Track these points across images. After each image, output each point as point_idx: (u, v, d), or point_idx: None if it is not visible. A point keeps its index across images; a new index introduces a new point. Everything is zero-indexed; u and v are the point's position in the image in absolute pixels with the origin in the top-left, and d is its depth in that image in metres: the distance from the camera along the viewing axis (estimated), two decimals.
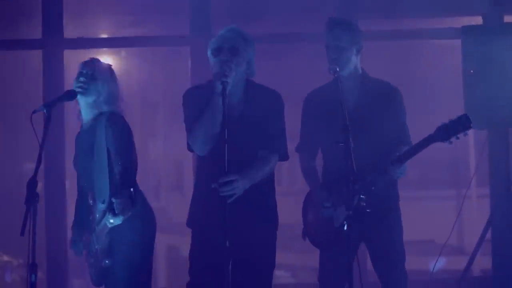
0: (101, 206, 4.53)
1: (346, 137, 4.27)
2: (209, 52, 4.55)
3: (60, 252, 6.62)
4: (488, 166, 6.60)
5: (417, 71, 8.58)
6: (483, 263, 6.61)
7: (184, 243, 11.01)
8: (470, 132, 4.67)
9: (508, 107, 5.81)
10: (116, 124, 4.61)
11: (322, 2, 6.65)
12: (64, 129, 6.57)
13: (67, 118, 6.55)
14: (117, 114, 4.66)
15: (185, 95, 4.66)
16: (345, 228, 4.28)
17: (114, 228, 4.48)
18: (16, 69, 8.55)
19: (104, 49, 7.61)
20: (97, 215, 4.60)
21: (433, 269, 5.77)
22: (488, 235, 6.46)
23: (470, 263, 6.19)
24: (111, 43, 7.36)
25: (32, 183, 4.06)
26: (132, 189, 4.39)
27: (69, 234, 4.97)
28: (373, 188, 4.62)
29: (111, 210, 4.38)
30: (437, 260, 5.67)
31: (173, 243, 10.87)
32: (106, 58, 5.98)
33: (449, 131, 4.52)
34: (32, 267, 4.00)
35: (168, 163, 11.47)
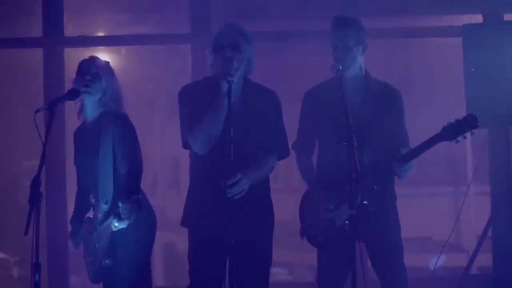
0: (104, 207, 4.52)
1: (349, 136, 4.25)
2: (208, 49, 4.49)
3: (61, 250, 6.61)
4: (489, 164, 6.59)
5: (416, 69, 8.57)
6: (481, 260, 6.60)
7: (180, 241, 11.03)
8: None
9: (508, 105, 5.80)
10: (124, 126, 4.59)
11: (322, 0, 6.64)
12: (65, 127, 6.54)
13: (67, 117, 6.52)
14: (124, 115, 4.64)
15: (182, 92, 4.59)
16: (346, 227, 4.26)
17: (118, 230, 4.48)
18: (16, 67, 8.53)
19: (103, 47, 7.59)
20: (99, 215, 4.58)
21: (435, 267, 5.76)
22: (488, 232, 6.45)
23: (471, 261, 6.19)
24: (111, 41, 7.33)
25: (35, 182, 4.04)
26: (140, 195, 4.39)
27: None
28: (375, 187, 4.61)
29: (116, 214, 4.37)
30: (438, 258, 5.67)
31: (169, 241, 10.87)
32: (104, 56, 5.95)
33: (456, 130, 4.51)
34: (36, 267, 3.98)
35: (164, 161, 11.47)
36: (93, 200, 4.64)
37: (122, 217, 4.35)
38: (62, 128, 6.51)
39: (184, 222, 4.62)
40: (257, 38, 4.57)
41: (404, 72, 6.90)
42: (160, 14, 7.89)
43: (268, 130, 4.49)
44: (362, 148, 4.47)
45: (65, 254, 6.60)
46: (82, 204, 4.79)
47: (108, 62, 4.77)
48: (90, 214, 4.76)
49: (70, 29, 6.95)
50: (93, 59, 4.73)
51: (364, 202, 4.52)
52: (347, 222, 4.31)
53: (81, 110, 4.74)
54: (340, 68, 4.55)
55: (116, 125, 4.56)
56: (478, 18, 6.69)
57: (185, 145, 4.54)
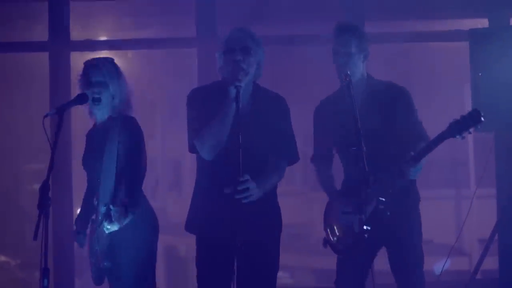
0: (103, 209, 4.51)
1: (358, 141, 4.24)
2: (218, 53, 4.45)
3: (67, 254, 6.61)
4: (495, 169, 6.58)
5: (416, 72, 8.59)
6: (484, 264, 6.59)
7: (181, 244, 11.05)
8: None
9: None
10: (131, 129, 4.57)
11: (327, 4, 6.63)
12: (71, 131, 6.54)
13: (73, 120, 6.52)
14: (131, 118, 4.63)
15: (190, 95, 4.55)
16: (365, 232, 4.24)
17: (116, 232, 4.47)
18: (19, 70, 8.55)
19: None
20: (99, 217, 4.58)
21: (441, 271, 5.75)
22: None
23: (478, 266, 6.18)
24: (117, 45, 7.31)
25: (44, 187, 4.00)
26: (127, 199, 4.38)
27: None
28: (390, 191, 4.59)
29: (108, 216, 4.37)
30: (445, 262, 5.66)
31: (170, 243, 10.89)
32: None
33: (461, 126, 4.50)
34: (45, 272, 3.94)
35: (165, 163, 11.48)
36: (95, 202, 4.64)
37: (113, 220, 4.35)
38: (69, 132, 6.50)
39: (188, 227, 4.58)
40: (263, 41, 4.56)
41: (403, 75, 6.89)
42: (165, 18, 7.90)
43: (278, 136, 4.46)
44: (373, 151, 4.45)
45: (71, 257, 6.59)
46: (88, 204, 4.78)
47: (113, 61, 4.72)
48: (94, 216, 4.76)
49: (76, 33, 6.94)
50: (99, 64, 4.68)
51: (381, 206, 4.49)
52: (366, 227, 4.28)
53: (92, 112, 4.73)
54: (349, 73, 4.53)
55: (123, 129, 4.54)
56: (483, 22, 6.69)
57: (192, 149, 4.49)
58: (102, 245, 4.51)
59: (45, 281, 3.90)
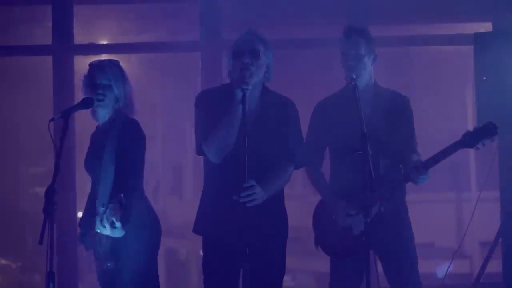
0: (101, 210, 4.51)
1: (364, 145, 4.23)
2: (228, 56, 4.44)
3: (71, 258, 6.60)
4: (499, 173, 6.57)
5: (416, 75, 8.59)
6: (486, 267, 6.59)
7: (182, 246, 11.05)
8: None
9: None
10: (132, 132, 4.57)
11: (331, 8, 6.62)
12: (75, 135, 6.53)
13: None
14: (133, 121, 4.62)
15: (199, 97, 4.54)
16: (364, 237, 4.24)
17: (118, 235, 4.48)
18: (23, 74, 8.55)
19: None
20: (97, 220, 4.57)
21: (445, 274, 5.75)
22: (491, 238, 6.44)
23: (482, 270, 6.17)
24: (121, 49, 7.30)
25: (50, 191, 4.01)
26: (122, 195, 4.36)
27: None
28: (391, 195, 4.59)
29: (101, 218, 4.39)
30: (449, 266, 5.65)
31: (171, 246, 10.88)
32: None
33: (475, 137, 4.51)
34: (50, 276, 3.94)
35: (166, 167, 11.48)
36: (96, 204, 4.63)
37: (106, 219, 4.34)
38: (73, 136, 6.49)
39: (196, 229, 4.57)
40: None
41: (404, 78, 6.90)
42: (169, 22, 7.90)
43: (287, 139, 4.46)
44: (377, 156, 4.45)
45: (74, 261, 6.59)
46: (92, 206, 4.77)
47: (119, 63, 4.71)
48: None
49: (79, 37, 6.94)
50: (104, 66, 4.68)
51: (382, 209, 4.49)
52: (364, 229, 4.28)
53: (94, 113, 4.72)
54: (354, 76, 4.54)
55: (124, 130, 4.54)
56: (487, 26, 6.69)
57: (199, 151, 4.49)
58: (104, 246, 4.51)
59: (51, 285, 3.90)
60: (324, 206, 4.83)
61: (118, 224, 4.34)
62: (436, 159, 4.54)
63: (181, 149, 10.17)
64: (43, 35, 7.04)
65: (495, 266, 6.45)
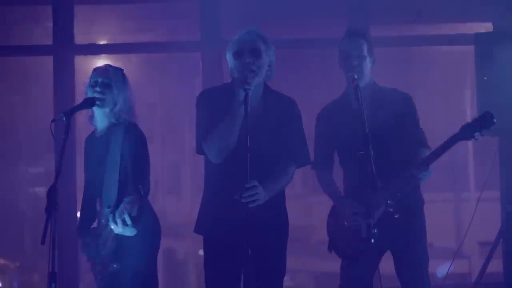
0: (107, 211, 4.51)
1: (366, 145, 4.24)
2: (228, 55, 4.42)
3: (71, 258, 6.60)
4: (499, 173, 6.58)
5: (416, 76, 8.59)
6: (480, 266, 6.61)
7: (181, 246, 11.04)
8: None
9: None
10: (134, 136, 4.57)
11: (331, 8, 6.63)
12: (75, 136, 6.52)
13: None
14: (134, 125, 4.63)
15: (200, 96, 4.52)
16: (373, 236, 4.25)
17: (122, 235, 4.48)
18: (22, 74, 8.55)
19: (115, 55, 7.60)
20: (103, 220, 4.57)
21: (446, 274, 5.77)
22: (490, 238, 6.45)
23: (483, 270, 6.19)
24: (121, 49, 7.31)
25: (52, 192, 4.01)
26: (141, 187, 4.35)
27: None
28: (399, 194, 4.59)
29: (114, 217, 4.38)
30: (450, 266, 5.67)
31: (169, 246, 10.87)
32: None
33: (473, 128, 4.51)
34: (52, 276, 3.94)
35: (164, 166, 11.48)
36: (98, 208, 4.64)
37: (119, 214, 4.34)
38: (73, 136, 6.48)
39: (198, 229, 4.57)
40: None
41: (403, 78, 6.91)
42: (169, 22, 7.90)
43: (289, 138, 4.45)
44: (381, 155, 4.45)
45: (75, 261, 6.59)
46: (88, 213, 4.78)
47: (122, 70, 4.74)
48: (95, 224, 4.74)
49: (80, 37, 6.94)
50: (107, 68, 4.70)
51: (390, 209, 4.49)
52: (374, 231, 4.29)
53: (92, 117, 4.73)
54: (356, 77, 4.55)
55: (126, 135, 4.54)
56: (487, 27, 6.70)
57: (199, 150, 4.47)
58: (108, 248, 4.51)
59: (53, 285, 3.91)
60: (336, 210, 4.85)
61: (129, 223, 4.34)
62: (435, 154, 4.54)
63: (179, 149, 10.18)
64: (43, 35, 7.04)
65: (495, 266, 6.47)
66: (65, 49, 6.73)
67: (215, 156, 4.29)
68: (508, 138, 6.28)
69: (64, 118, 4.22)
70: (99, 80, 4.60)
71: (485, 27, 6.67)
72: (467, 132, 4.49)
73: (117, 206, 4.44)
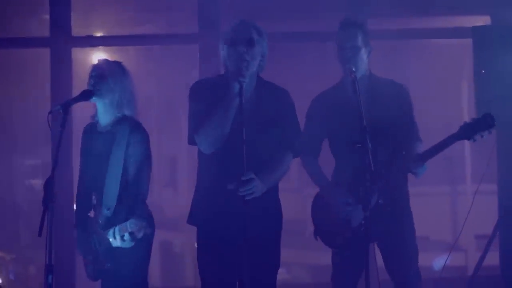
0: (106, 212, 4.50)
1: (363, 138, 4.23)
2: (221, 43, 4.42)
3: (68, 250, 6.59)
4: (497, 167, 6.59)
5: (413, 70, 8.60)
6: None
7: (177, 239, 11.05)
8: None
9: None
10: (140, 136, 4.55)
11: (331, 1, 6.62)
12: (72, 128, 6.51)
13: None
14: (138, 124, 4.61)
15: (193, 88, 4.48)
16: (362, 228, 4.25)
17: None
18: (18, 66, 8.54)
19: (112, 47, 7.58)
20: (100, 220, 4.55)
21: (443, 267, 5.78)
22: (486, 231, 6.47)
23: (479, 263, 6.20)
24: (118, 41, 7.29)
25: (49, 184, 4.00)
26: (143, 213, 4.40)
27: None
28: (390, 185, 4.59)
29: (119, 232, 4.39)
30: (446, 259, 5.69)
31: (166, 239, 10.89)
32: (110, 56, 5.94)
33: (473, 129, 4.50)
34: (49, 268, 3.93)
35: (161, 160, 11.48)
36: (95, 201, 4.62)
37: (119, 231, 4.37)
38: (69, 128, 6.46)
39: (191, 220, 4.57)
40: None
41: (401, 73, 6.92)
42: (167, 14, 7.89)
43: (283, 128, 4.44)
44: (375, 148, 4.44)
45: (72, 253, 6.57)
46: (84, 207, 4.76)
47: (119, 63, 4.72)
48: (91, 214, 4.73)
49: (77, 29, 6.92)
50: (101, 62, 4.69)
51: (380, 201, 4.48)
52: (363, 222, 4.28)
53: (96, 115, 4.71)
54: (354, 69, 4.54)
55: (132, 134, 4.52)
56: (485, 20, 6.70)
57: (191, 141, 4.47)
58: (104, 246, 4.51)
59: (50, 277, 3.90)
60: (322, 195, 4.83)
61: (127, 237, 4.35)
62: (433, 151, 4.54)
63: (176, 142, 10.18)
64: (40, 27, 7.03)
65: (492, 259, 6.48)
66: (62, 41, 6.71)
67: (207, 146, 4.28)
68: (505, 131, 6.29)
69: (61, 110, 4.21)
70: (93, 73, 4.60)
71: (483, 20, 6.67)
72: (466, 132, 4.48)
73: (117, 209, 4.45)
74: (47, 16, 6.72)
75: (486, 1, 6.61)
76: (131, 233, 4.36)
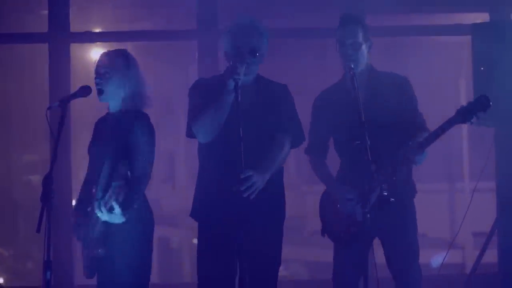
0: (99, 195, 4.48)
1: (362, 134, 4.24)
2: (226, 46, 4.46)
3: (66, 249, 6.59)
4: (495, 164, 6.59)
5: (412, 67, 8.59)
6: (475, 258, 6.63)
7: (174, 235, 11.04)
8: (464, 126, 4.67)
9: None
10: (144, 127, 4.55)
11: None
12: (71, 124, 6.50)
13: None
14: (144, 115, 4.60)
15: (194, 86, 4.57)
16: (366, 222, 4.27)
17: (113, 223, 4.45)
18: (16, 61, 8.52)
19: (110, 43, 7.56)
20: (95, 204, 4.54)
21: (441, 265, 5.79)
22: (484, 229, 6.47)
23: (478, 261, 6.21)
24: (117, 37, 7.28)
25: (48, 180, 4.00)
26: (129, 173, 4.35)
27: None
28: (394, 178, 4.59)
29: (102, 202, 4.35)
30: (445, 257, 5.70)
31: (163, 235, 10.87)
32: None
33: (469, 111, 4.51)
34: (47, 264, 3.94)
35: (159, 155, 11.45)
36: (94, 190, 4.60)
37: (105, 202, 4.32)
38: (68, 124, 6.46)
39: (193, 214, 4.59)
40: None
41: (399, 70, 6.93)
42: (166, 10, 7.87)
43: (282, 117, 4.47)
44: (378, 142, 4.45)
45: (70, 249, 6.58)
46: (86, 194, 4.75)
47: (124, 53, 4.68)
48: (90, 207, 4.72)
49: (75, 25, 6.91)
50: (107, 55, 4.66)
51: (384, 193, 4.48)
52: (368, 216, 4.29)
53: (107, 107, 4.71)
54: (353, 66, 4.54)
55: (136, 125, 4.51)
56: (484, 17, 6.70)
57: (189, 133, 4.53)
58: (96, 232, 4.48)
59: (48, 273, 3.90)
60: (329, 194, 4.85)
61: (117, 210, 4.31)
62: (431, 138, 4.55)
63: (174, 138, 10.16)
64: (37, 23, 7.01)
65: (490, 257, 6.49)
66: (60, 36, 6.71)
67: (202, 136, 4.39)
68: (504, 128, 6.29)
69: (59, 106, 4.21)
70: (99, 71, 4.59)
71: (482, 17, 6.67)
72: (463, 115, 4.49)
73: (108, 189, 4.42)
74: (45, 12, 6.70)
75: None
76: (119, 203, 4.30)
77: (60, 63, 6.65)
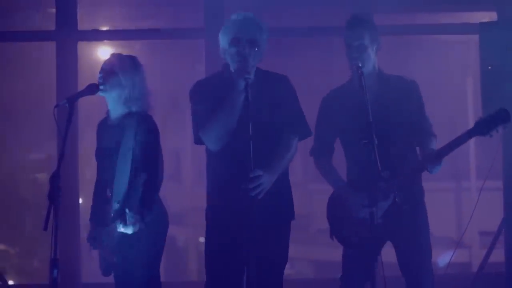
0: (115, 206, 4.51)
1: (369, 134, 4.23)
2: (224, 41, 4.44)
3: (73, 247, 6.59)
4: (502, 163, 6.58)
5: (417, 67, 8.58)
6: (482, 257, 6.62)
7: (180, 234, 11.05)
8: (470, 124, 4.66)
9: None
10: (148, 129, 4.56)
11: None
12: (78, 122, 6.50)
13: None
14: (148, 117, 4.61)
15: (193, 90, 4.52)
16: (377, 225, 4.27)
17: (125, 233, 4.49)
18: (22, 59, 8.52)
19: (117, 42, 7.57)
20: (112, 214, 4.56)
21: (448, 264, 5.78)
22: (491, 228, 6.47)
23: (485, 260, 6.20)
24: (124, 35, 7.28)
25: (55, 178, 4.00)
26: (144, 208, 4.42)
27: (82, 228, 4.92)
28: (407, 185, 4.59)
29: (123, 219, 4.39)
30: (452, 256, 5.69)
31: (169, 233, 10.88)
32: (117, 50, 5.92)
33: (488, 125, 4.49)
34: (54, 262, 3.94)
35: (165, 154, 11.45)
36: (109, 194, 4.62)
37: (128, 223, 4.38)
38: (75, 123, 6.46)
39: (206, 214, 4.60)
40: (272, 33, 4.53)
41: (405, 69, 6.93)
42: (173, 8, 7.87)
43: (287, 112, 4.45)
44: (387, 145, 4.45)
45: (77, 248, 6.59)
46: (99, 200, 4.77)
47: (133, 58, 4.71)
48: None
49: (83, 23, 6.92)
50: (112, 56, 4.69)
51: (397, 199, 4.48)
52: (379, 220, 4.29)
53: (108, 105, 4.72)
54: (360, 65, 4.53)
55: (140, 126, 4.52)
56: (492, 16, 6.69)
57: (197, 141, 4.48)
58: (112, 240, 4.51)
59: (55, 271, 3.91)
60: (338, 197, 4.83)
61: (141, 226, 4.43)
62: (448, 148, 4.53)
63: (180, 136, 10.16)
64: (45, 21, 7.02)
65: (497, 256, 6.48)
66: (68, 35, 6.72)
67: (214, 143, 4.33)
68: (511, 128, 6.28)
69: (67, 104, 4.22)
70: (103, 68, 4.61)
71: (490, 16, 6.66)
72: (482, 128, 4.48)
73: (128, 204, 4.46)
74: (53, 10, 6.71)
75: None
76: (140, 220, 4.42)
77: (67, 61, 6.66)
